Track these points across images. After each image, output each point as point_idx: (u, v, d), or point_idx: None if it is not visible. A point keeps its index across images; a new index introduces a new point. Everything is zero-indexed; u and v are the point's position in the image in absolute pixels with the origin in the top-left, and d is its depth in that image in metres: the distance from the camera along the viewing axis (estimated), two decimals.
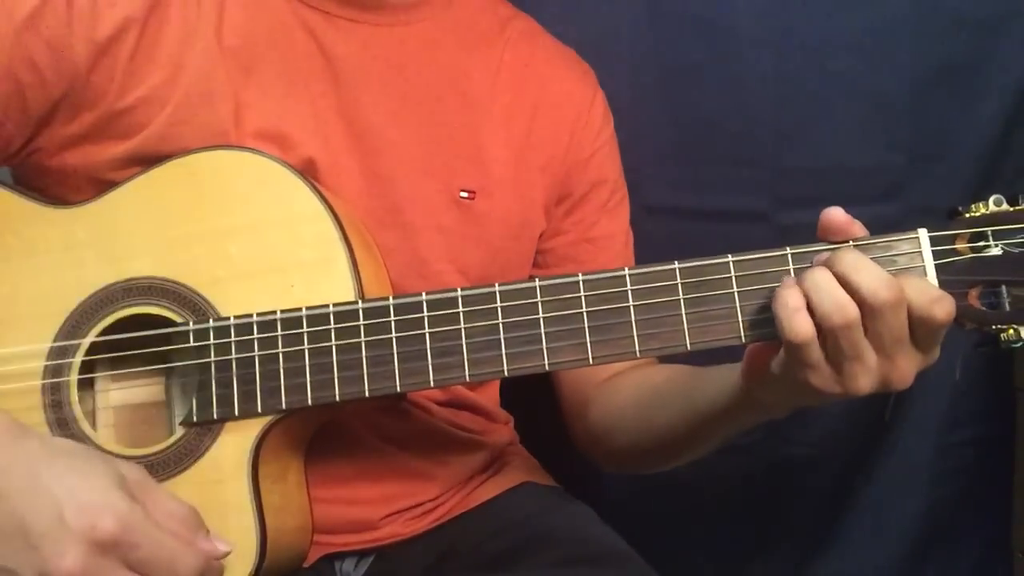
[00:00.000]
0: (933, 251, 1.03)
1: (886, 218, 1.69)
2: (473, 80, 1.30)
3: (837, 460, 1.95)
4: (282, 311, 1.08)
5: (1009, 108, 1.75)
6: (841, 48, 1.75)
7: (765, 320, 1.03)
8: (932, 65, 1.74)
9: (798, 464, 1.95)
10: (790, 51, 1.76)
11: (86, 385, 1.16)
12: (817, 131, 1.78)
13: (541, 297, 1.06)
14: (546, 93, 1.34)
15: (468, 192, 1.27)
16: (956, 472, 1.91)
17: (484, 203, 1.28)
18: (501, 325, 1.06)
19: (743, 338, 1.04)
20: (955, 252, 1.03)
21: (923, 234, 1.03)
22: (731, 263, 1.05)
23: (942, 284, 1.01)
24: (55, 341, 1.13)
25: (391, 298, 1.08)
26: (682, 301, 1.05)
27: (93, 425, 1.15)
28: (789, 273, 1.03)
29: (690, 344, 1.05)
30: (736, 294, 1.04)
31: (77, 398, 1.12)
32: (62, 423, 1.12)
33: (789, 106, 1.77)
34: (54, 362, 1.13)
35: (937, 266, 1.02)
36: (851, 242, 1.02)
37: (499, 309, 1.06)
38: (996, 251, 1.02)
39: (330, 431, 1.21)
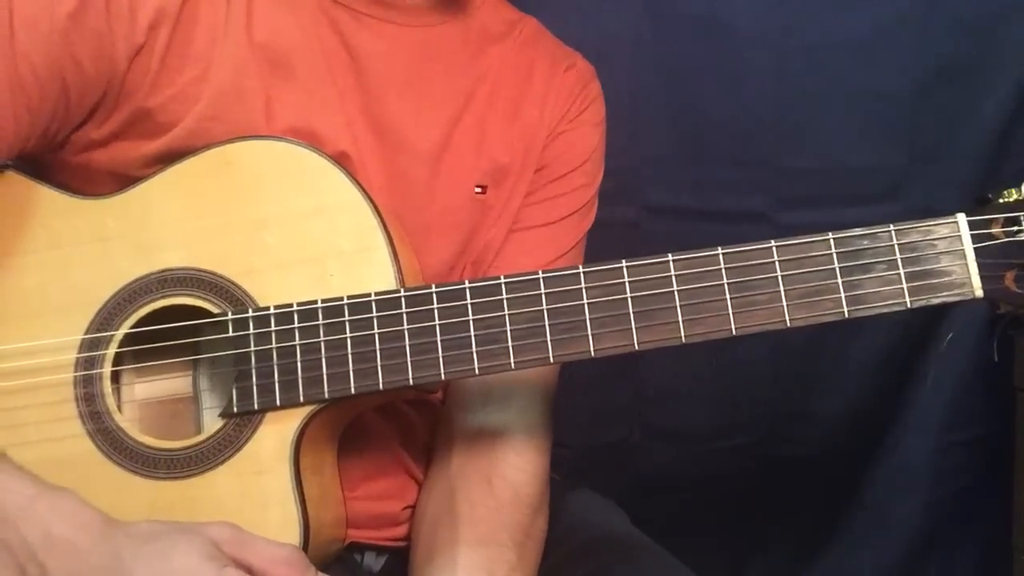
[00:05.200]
0: (971, 235, 1.05)
1: (886, 218, 1.69)
2: (483, 80, 1.31)
3: (837, 460, 1.95)
4: (323, 300, 1.08)
5: (1009, 108, 1.76)
6: (841, 48, 1.76)
7: (809, 304, 1.05)
8: (932, 65, 1.75)
9: (798, 464, 1.95)
10: (790, 51, 1.77)
11: (113, 377, 1.14)
12: (817, 131, 1.79)
13: (585, 284, 1.06)
14: (551, 85, 1.35)
15: (481, 188, 1.28)
16: (956, 472, 1.93)
17: (495, 195, 1.29)
18: (545, 312, 1.06)
19: (788, 322, 1.05)
20: (991, 236, 1.05)
21: (962, 218, 1.05)
22: (774, 248, 1.06)
23: (981, 267, 1.04)
24: (87, 333, 1.12)
25: (434, 286, 1.08)
26: (726, 286, 1.06)
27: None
28: (832, 259, 1.05)
29: (736, 329, 1.05)
30: (780, 278, 1.05)
31: (111, 390, 1.11)
32: (95, 416, 1.11)
33: (789, 106, 1.79)
34: (86, 354, 1.12)
35: (976, 250, 1.04)
36: (891, 226, 1.05)
37: (543, 296, 1.07)
38: None
39: (347, 428, 1.21)
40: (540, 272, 1.07)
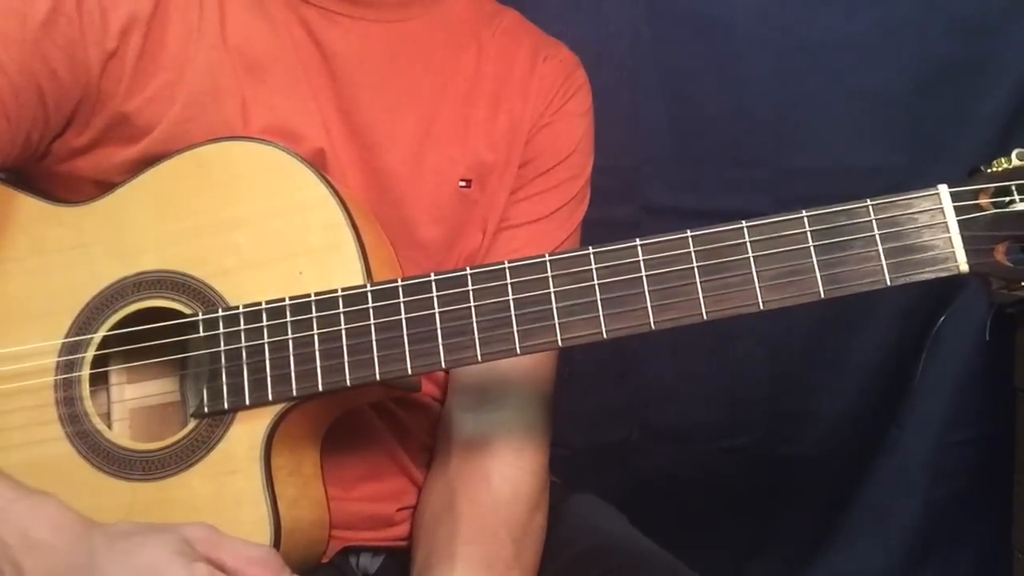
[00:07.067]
0: (955, 207, 0.99)
1: None
2: (462, 74, 1.31)
3: (837, 460, 1.96)
4: (291, 297, 1.07)
5: (1009, 108, 1.76)
6: (841, 48, 1.76)
7: (783, 285, 1.01)
8: (932, 65, 1.75)
9: (798, 464, 1.95)
10: (790, 51, 1.77)
11: (101, 381, 1.16)
12: (817, 131, 1.80)
13: (551, 272, 1.04)
14: (532, 76, 1.34)
15: (466, 181, 1.28)
16: (956, 472, 1.93)
17: (479, 191, 1.29)
18: (512, 302, 1.04)
19: (761, 305, 1.01)
20: (978, 208, 0.99)
21: (943, 190, 1.00)
22: (745, 229, 1.02)
23: (966, 241, 0.99)
24: (67, 337, 1.12)
25: (400, 280, 1.07)
26: (696, 270, 1.02)
27: (108, 421, 1.14)
28: (807, 237, 1.01)
29: (707, 314, 1.02)
30: (752, 259, 1.01)
31: (89, 393, 1.12)
32: (74, 419, 1.11)
33: (789, 106, 1.79)
34: (66, 358, 1.12)
35: (960, 222, 0.99)
36: (869, 201, 1.00)
37: (509, 286, 1.04)
38: (1021, 206, 0.99)
39: (341, 430, 1.20)
40: (506, 262, 1.05)
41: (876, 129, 1.78)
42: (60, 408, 1.11)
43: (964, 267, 0.99)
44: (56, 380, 1.12)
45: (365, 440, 1.26)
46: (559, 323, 1.03)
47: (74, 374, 1.11)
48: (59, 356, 1.12)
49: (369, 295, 1.06)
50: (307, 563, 1.15)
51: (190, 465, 1.08)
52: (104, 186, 1.16)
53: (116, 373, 1.17)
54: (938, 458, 1.91)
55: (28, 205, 1.16)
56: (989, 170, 1.01)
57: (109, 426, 1.13)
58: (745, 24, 1.77)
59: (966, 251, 0.99)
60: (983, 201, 0.99)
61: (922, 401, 1.88)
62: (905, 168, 1.78)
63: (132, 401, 1.17)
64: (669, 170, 1.84)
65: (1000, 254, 0.99)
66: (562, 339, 1.03)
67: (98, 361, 1.13)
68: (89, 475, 1.09)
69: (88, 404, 1.11)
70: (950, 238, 0.99)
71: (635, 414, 1.96)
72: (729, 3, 1.76)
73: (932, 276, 0.99)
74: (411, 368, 1.05)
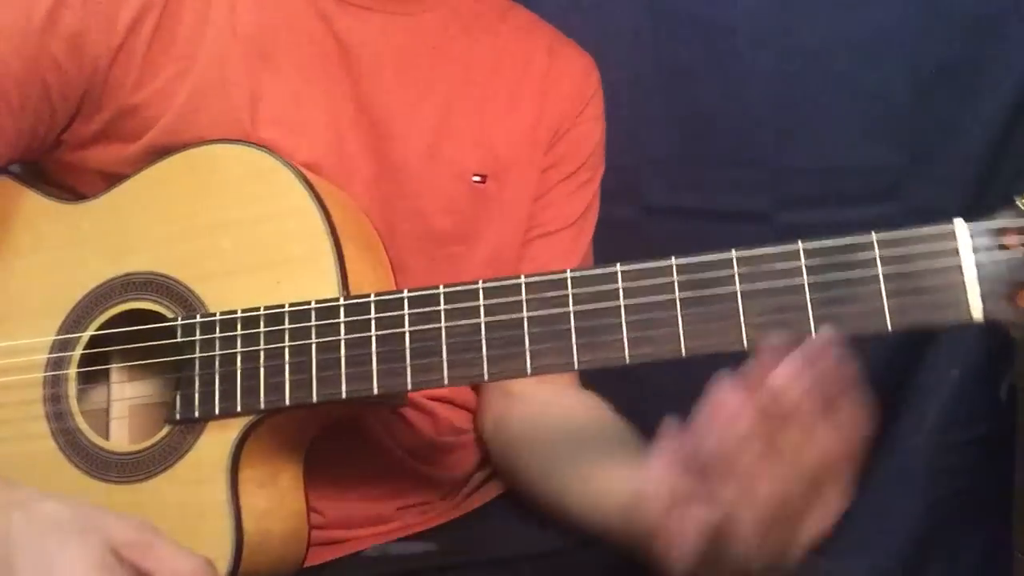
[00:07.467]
0: (972, 245, 0.88)
1: (886, 218, 1.69)
2: (478, 67, 1.32)
3: None
4: (266, 308, 1.07)
5: (1009, 108, 1.75)
6: (841, 48, 1.75)
7: (771, 324, 0.92)
8: (932, 65, 1.74)
9: None
10: (790, 51, 1.76)
11: (103, 378, 1.17)
12: (817, 131, 1.79)
13: (526, 295, 0.99)
14: (549, 77, 1.36)
15: (480, 176, 1.28)
16: (956, 472, 1.91)
17: (495, 186, 1.30)
18: (483, 325, 0.99)
19: (745, 344, 0.93)
20: (1002, 247, 0.87)
21: (960, 225, 0.89)
22: (734, 259, 0.94)
23: (983, 284, 0.88)
24: (58, 335, 1.13)
25: (373, 295, 1.04)
26: (678, 301, 0.95)
27: (107, 419, 1.16)
28: (801, 272, 0.92)
29: (686, 350, 0.95)
30: (739, 294, 0.93)
31: (75, 392, 1.12)
32: (59, 416, 1.12)
33: (789, 106, 1.78)
34: (55, 355, 1.13)
35: (978, 263, 0.88)
36: (874, 235, 0.90)
37: (481, 308, 1.00)
38: None
39: (339, 430, 1.20)
40: (480, 282, 1.01)
41: (876, 129, 1.77)
42: (47, 405, 1.13)
43: (978, 315, 0.88)
44: (45, 376, 1.13)
45: (365, 441, 1.26)
46: (530, 350, 0.99)
47: (62, 371, 1.12)
48: (49, 353, 1.13)
49: (342, 309, 1.04)
50: (279, 572, 1.14)
51: (162, 471, 1.08)
52: (113, 179, 1.16)
53: (118, 371, 1.18)
54: (938, 458, 1.90)
55: (33, 201, 1.18)
56: (1021, 201, 0.89)
57: (108, 423, 1.15)
58: (745, 24, 1.76)
59: (982, 297, 0.88)
60: (1010, 240, 0.88)
61: (921, 401, 1.87)
62: (905, 168, 1.77)
63: (131, 400, 1.18)
64: (669, 170, 1.83)
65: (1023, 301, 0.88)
66: (531, 367, 0.99)
67: (92, 359, 1.14)
68: (69, 473, 1.10)
69: (73, 403, 1.12)
70: (963, 282, 0.88)
71: (635, 414, 1.96)
72: (730, 3, 1.76)
73: (940, 324, 0.89)
74: (376, 388, 1.02)
